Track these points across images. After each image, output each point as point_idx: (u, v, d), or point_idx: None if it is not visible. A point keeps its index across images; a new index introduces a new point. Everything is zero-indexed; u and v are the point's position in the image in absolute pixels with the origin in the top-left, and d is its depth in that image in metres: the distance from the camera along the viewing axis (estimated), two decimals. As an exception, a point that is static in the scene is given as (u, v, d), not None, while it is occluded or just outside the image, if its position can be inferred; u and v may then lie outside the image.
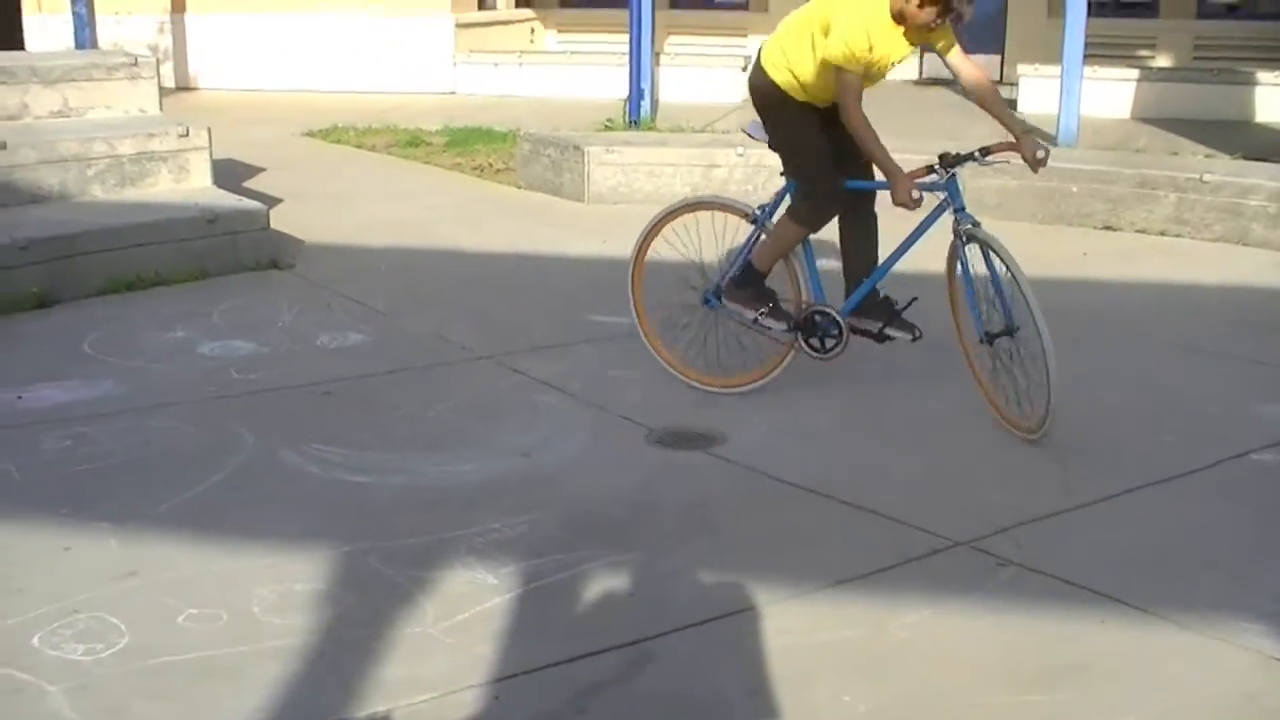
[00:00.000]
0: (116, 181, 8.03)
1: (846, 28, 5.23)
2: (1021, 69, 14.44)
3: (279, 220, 8.40)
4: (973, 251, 5.39)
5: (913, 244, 5.57)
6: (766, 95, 5.62)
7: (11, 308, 6.78)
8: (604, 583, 4.02)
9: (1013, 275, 5.21)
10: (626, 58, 13.47)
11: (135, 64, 8.80)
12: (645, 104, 13.06)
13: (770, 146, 5.78)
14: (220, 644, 3.64)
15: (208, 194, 8.25)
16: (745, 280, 5.80)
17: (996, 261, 5.30)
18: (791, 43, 5.51)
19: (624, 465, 5.02)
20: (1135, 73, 14.46)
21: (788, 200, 5.70)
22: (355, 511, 4.54)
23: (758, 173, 9.98)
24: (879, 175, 5.50)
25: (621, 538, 4.33)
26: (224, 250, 7.71)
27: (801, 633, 3.76)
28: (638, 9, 13.01)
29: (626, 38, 13.41)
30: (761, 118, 5.74)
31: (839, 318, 5.67)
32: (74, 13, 13.34)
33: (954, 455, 5.15)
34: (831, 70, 5.32)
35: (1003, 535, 4.35)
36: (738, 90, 15.52)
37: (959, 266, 5.50)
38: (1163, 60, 16.70)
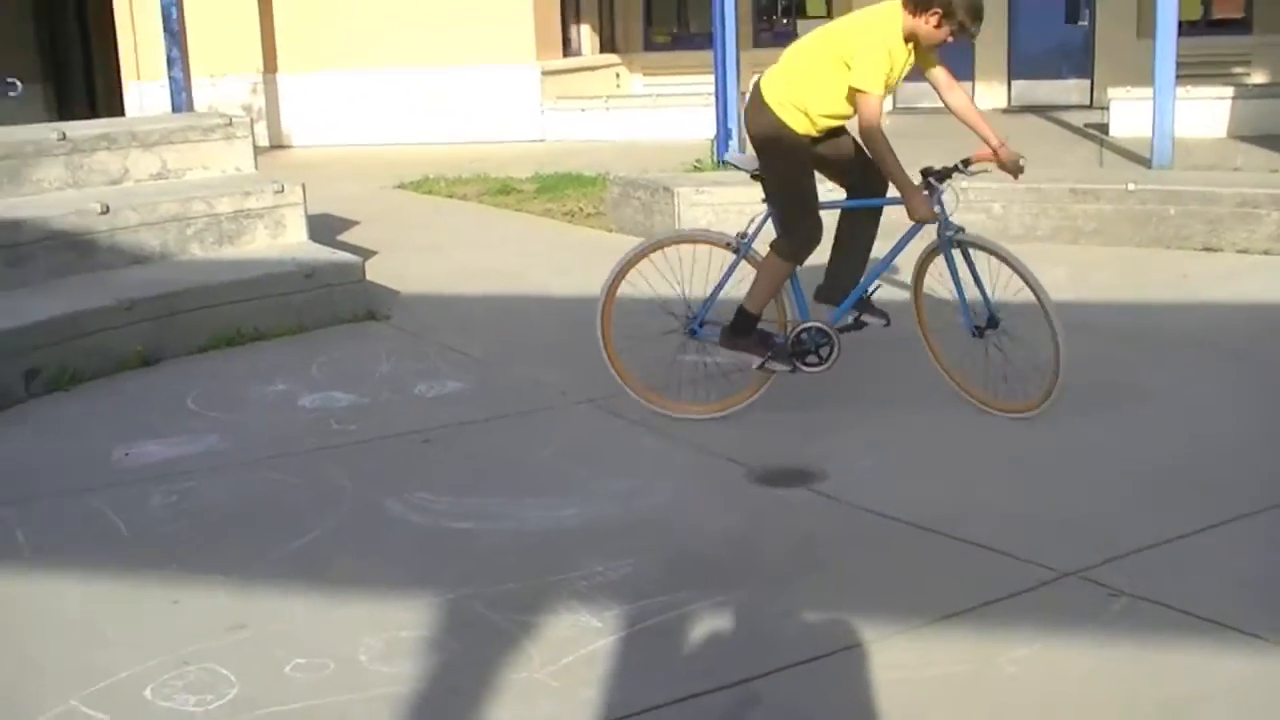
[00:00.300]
0: (215, 240, 8.17)
1: (872, 54, 5.46)
2: (1112, 92, 14.29)
3: (374, 272, 8.50)
4: (958, 256, 5.79)
5: (896, 255, 5.94)
6: (770, 131, 5.71)
7: (117, 366, 6.91)
8: (709, 623, 3.99)
9: (1018, 270, 5.70)
10: (712, 98, 13.51)
11: (230, 124, 8.96)
12: (733, 143, 13.07)
13: (761, 178, 5.81)
14: (328, 693, 3.66)
15: (304, 249, 8.37)
16: (742, 328, 5.84)
17: (981, 262, 5.77)
18: (801, 77, 5.65)
19: (725, 504, 4.99)
20: (1229, 90, 14.27)
21: (768, 230, 5.83)
22: (459, 558, 4.55)
23: (848, 207, 9.94)
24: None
25: (725, 577, 4.30)
26: (321, 303, 7.81)
27: (910, 668, 3.69)
28: (722, 50, 13.05)
29: (711, 78, 13.45)
30: (760, 150, 5.79)
31: (828, 328, 5.86)
32: (170, 77, 13.64)
33: (1058, 485, 5.06)
34: (847, 98, 5.55)
35: (1113, 565, 4.26)
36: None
37: (948, 270, 5.81)
38: (1258, 77, 16.46)
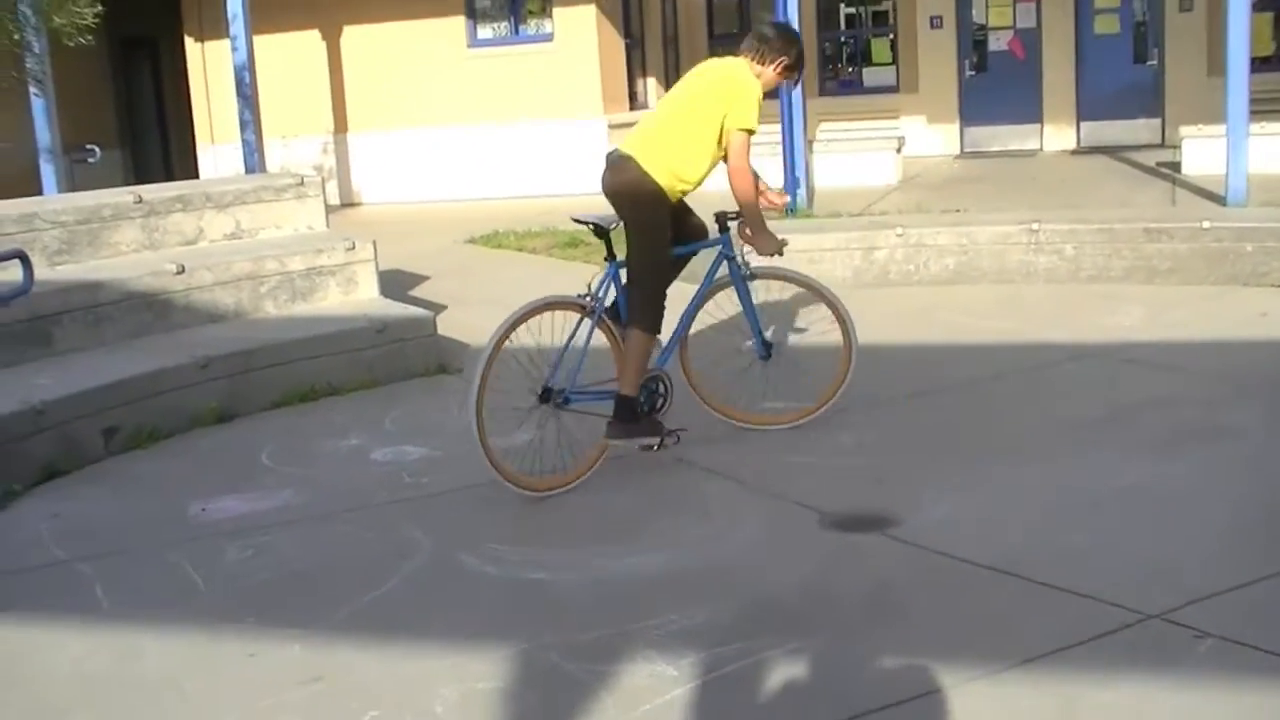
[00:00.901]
0: (288, 297, 8.26)
1: (749, 97, 5.89)
2: (1184, 130, 14.16)
3: (445, 325, 8.55)
4: (744, 289, 6.29)
5: (703, 294, 6.38)
6: (643, 194, 5.83)
7: (193, 423, 6.98)
8: (785, 670, 3.95)
9: (820, 291, 6.44)
10: (779, 148, 13.50)
11: (301, 184, 9.08)
12: (801, 192, 13.06)
13: (630, 241, 5.89)
14: (405, 745, 3.65)
15: (376, 304, 8.44)
16: (628, 414, 5.78)
17: (754, 294, 6.36)
18: (675, 141, 5.89)
19: (799, 551, 4.95)
20: (1303, 126, 14.06)
21: (613, 289, 5.94)
22: (533, 608, 4.54)
23: (918, 252, 9.92)
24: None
25: (801, 624, 4.26)
26: (393, 358, 7.87)
27: (991, 714, 3.63)
28: (788, 99, 13.06)
29: (777, 128, 13.45)
30: (630, 214, 5.88)
31: (661, 374, 6.07)
32: (243, 140, 13.85)
33: (1139, 527, 4.97)
34: (707, 152, 5.92)
35: (1197, 606, 4.17)
36: (893, 172, 15.49)
37: (742, 304, 6.34)
38: (1332, 112, 16.22)
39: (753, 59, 6.06)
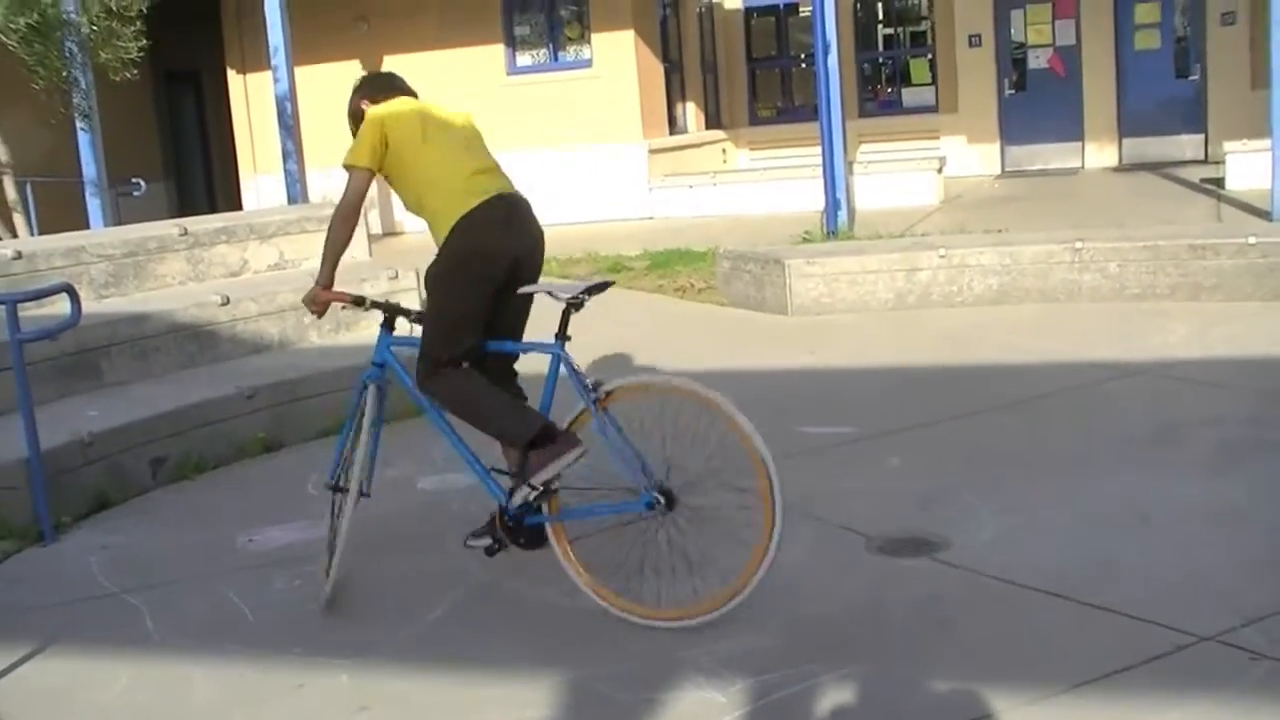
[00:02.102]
0: (332, 327, 8.30)
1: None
2: (1228, 145, 14.06)
3: (489, 353, 8.55)
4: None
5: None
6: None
7: (239, 454, 7.02)
8: (835, 696, 3.92)
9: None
10: (820, 170, 13.51)
11: (344, 213, 9.11)
12: (842, 213, 13.06)
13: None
14: (454, 775, 3.65)
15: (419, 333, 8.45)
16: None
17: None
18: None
19: (847, 575, 4.92)
20: (1350, 139, 13.93)
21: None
22: (582, 636, 4.53)
23: (961, 273, 9.88)
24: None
25: (850, 649, 4.23)
26: (438, 386, 7.87)
27: (1045, 739, 3.61)
28: (828, 121, 13.07)
29: (818, 150, 13.46)
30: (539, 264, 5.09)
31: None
32: (285, 171, 13.95)
33: (1191, 546, 4.93)
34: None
35: (1253, 627, 4.12)
36: (934, 193, 15.47)
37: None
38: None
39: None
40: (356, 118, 5.21)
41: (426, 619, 4.75)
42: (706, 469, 4.60)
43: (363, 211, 5.12)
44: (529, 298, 5.00)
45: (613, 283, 5.18)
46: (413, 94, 5.33)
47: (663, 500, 4.49)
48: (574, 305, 4.71)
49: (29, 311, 6.50)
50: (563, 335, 4.77)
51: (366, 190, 5.03)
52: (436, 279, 4.93)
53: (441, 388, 4.92)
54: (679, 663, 4.20)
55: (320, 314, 5.23)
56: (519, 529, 4.86)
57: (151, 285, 8.23)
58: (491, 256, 4.85)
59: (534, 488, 4.68)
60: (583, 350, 7.85)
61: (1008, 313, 9.51)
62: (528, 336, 5.09)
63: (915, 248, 10.39)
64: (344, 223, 5.01)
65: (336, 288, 5.11)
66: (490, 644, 4.53)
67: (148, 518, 6.25)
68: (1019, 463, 6.07)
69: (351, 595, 5.08)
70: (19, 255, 7.77)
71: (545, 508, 4.77)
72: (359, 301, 5.11)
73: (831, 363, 8.44)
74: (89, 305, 7.01)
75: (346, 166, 5.00)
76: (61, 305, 6.33)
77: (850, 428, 6.64)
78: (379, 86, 5.33)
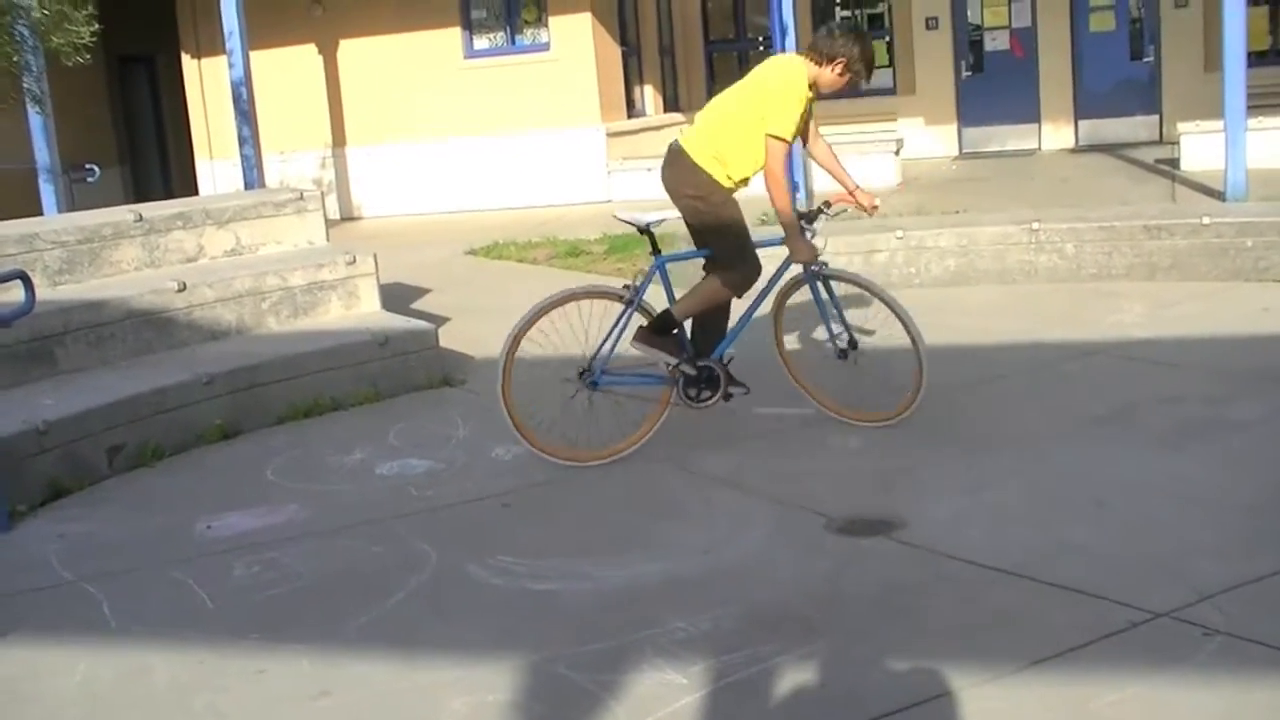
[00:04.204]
0: (290, 312, 8.26)
1: (787, 104, 5.99)
2: (1182, 126, 14.13)
3: (448, 338, 8.55)
4: (822, 288, 6.33)
5: (762, 301, 6.53)
6: (697, 182, 6.11)
7: (197, 441, 6.98)
8: (795, 676, 3.94)
9: (880, 296, 6.31)
10: (777, 151, 13.48)
11: (301, 199, 9.07)
12: (800, 195, 13.05)
13: (708, 231, 6.24)
14: (415, 759, 3.65)
15: (378, 318, 8.43)
16: (662, 327, 6.22)
17: (838, 291, 6.37)
18: (723, 135, 6.08)
19: (806, 556, 4.94)
20: (1302, 120, 14.03)
21: (656, 280, 6.32)
22: (541, 619, 4.54)
23: (919, 254, 9.92)
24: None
25: (809, 629, 4.25)
26: (396, 371, 7.86)
27: (1001, 716, 3.63)
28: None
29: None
30: (690, 203, 6.19)
31: (715, 364, 6.29)
32: (242, 155, 13.85)
33: (1145, 524, 4.98)
34: (758, 150, 6.02)
35: (1207, 603, 4.17)
36: (892, 174, 15.49)
37: (814, 301, 6.38)
38: (1330, 105, 16.20)
39: (811, 58, 6.14)
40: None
41: (387, 604, 4.75)
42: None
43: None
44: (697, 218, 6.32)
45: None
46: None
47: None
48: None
49: (-18, 299, 6.45)
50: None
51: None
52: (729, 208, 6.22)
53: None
54: (638, 644, 4.21)
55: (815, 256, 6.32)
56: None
57: (107, 272, 8.16)
58: None
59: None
60: (551, 333, 7.87)
61: (965, 294, 9.57)
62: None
63: (873, 229, 10.41)
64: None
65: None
66: (450, 628, 4.53)
67: (105, 506, 6.21)
68: (977, 442, 6.11)
69: (312, 581, 5.06)
70: (-29, 242, 7.69)
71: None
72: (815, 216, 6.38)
73: (789, 344, 8.44)
74: (43, 292, 6.95)
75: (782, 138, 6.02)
76: (15, 292, 6.26)
77: (808, 408, 6.66)
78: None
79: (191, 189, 19.44)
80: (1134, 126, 18.03)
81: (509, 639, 4.36)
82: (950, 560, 4.75)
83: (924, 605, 4.42)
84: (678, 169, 6.18)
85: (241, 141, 13.86)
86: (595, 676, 4.03)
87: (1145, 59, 18.11)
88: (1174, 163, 14.12)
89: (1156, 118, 17.89)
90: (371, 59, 18.03)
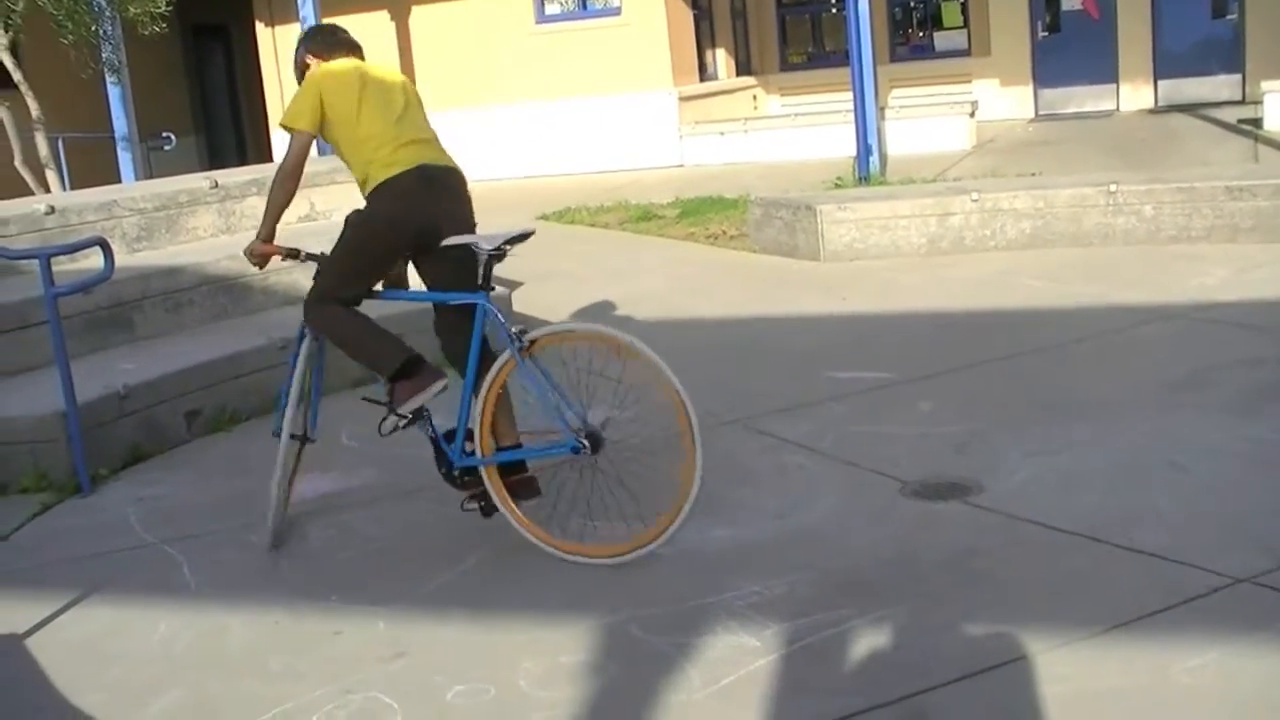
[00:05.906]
0: (364, 278, 8.28)
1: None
2: (1266, 85, 13.91)
3: (521, 302, 8.57)
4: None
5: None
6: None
7: (273, 405, 7.03)
8: (868, 640, 3.93)
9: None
10: (851, 115, 13.42)
11: (374, 164, 9.09)
12: (874, 159, 12.99)
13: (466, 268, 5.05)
14: (489, 718, 3.67)
15: (451, 282, 8.44)
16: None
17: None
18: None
19: (880, 520, 4.91)
20: (1390, 77, 13.77)
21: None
22: (613, 583, 4.54)
23: (994, 217, 9.82)
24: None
25: (883, 593, 4.23)
26: (471, 336, 7.87)
27: (1078, 680, 3.59)
28: (859, 66, 12.98)
29: (849, 96, 13.37)
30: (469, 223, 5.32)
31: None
32: (315, 122, 13.92)
33: (1225, 489, 4.90)
34: None
35: (1288, 569, 4.11)
36: (966, 137, 15.35)
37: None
38: None
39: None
40: (302, 71, 5.33)
41: (461, 566, 4.78)
42: (632, 412, 5.00)
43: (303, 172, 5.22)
44: (469, 252, 5.01)
45: (533, 232, 5.33)
46: (358, 49, 5.36)
47: (587, 445, 4.71)
48: (495, 256, 4.94)
49: (62, 266, 6.54)
50: (486, 285, 4.97)
51: (307, 152, 5.19)
52: (352, 228, 5.16)
53: (323, 317, 5.16)
54: (711, 608, 4.21)
55: (260, 266, 5.40)
56: (454, 475, 5.04)
57: (183, 238, 8.25)
58: (400, 225, 5.07)
59: (401, 415, 4.98)
60: (616, 298, 7.95)
61: (1041, 257, 9.45)
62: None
63: (947, 192, 10.31)
64: (283, 185, 5.19)
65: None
66: (524, 590, 4.55)
67: (183, 469, 6.30)
68: (1052, 407, 6.04)
69: (386, 544, 5.11)
70: (52, 210, 7.79)
71: (479, 451, 4.91)
72: (294, 254, 5.31)
73: (863, 308, 8.40)
74: (121, 259, 7.04)
75: (284, 127, 5.14)
76: (95, 259, 6.35)
77: (883, 372, 6.62)
78: (324, 42, 5.35)
79: (266, 156, 19.61)
80: (1215, 86, 17.74)
81: (581, 601, 4.38)
82: (1025, 524, 4.71)
83: (999, 570, 4.38)
84: (465, 195, 5.43)
85: (315, 109, 13.93)
86: (669, 639, 4.03)
87: (1228, 16, 17.79)
88: (1257, 122, 13.89)
89: (1239, 77, 17.59)
90: (443, 25, 18.07)
